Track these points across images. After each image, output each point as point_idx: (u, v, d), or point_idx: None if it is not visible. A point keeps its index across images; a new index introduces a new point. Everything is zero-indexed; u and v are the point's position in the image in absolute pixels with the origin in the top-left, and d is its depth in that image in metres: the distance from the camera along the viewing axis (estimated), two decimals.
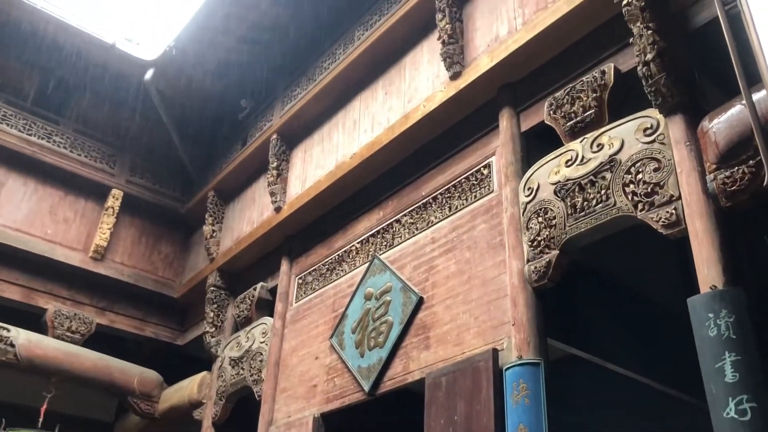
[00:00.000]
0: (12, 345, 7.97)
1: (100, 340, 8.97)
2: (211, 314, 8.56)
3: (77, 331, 8.78)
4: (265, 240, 8.03)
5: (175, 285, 9.83)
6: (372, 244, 6.54)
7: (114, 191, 9.47)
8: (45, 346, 8.25)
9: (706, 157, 3.90)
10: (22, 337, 8.06)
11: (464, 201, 5.63)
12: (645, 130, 4.32)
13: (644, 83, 4.25)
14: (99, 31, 8.84)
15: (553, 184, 4.74)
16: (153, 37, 9.32)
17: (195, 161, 9.95)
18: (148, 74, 8.91)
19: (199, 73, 8.93)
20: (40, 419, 7.84)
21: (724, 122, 3.80)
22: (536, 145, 5.27)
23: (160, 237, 9.97)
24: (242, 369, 7.65)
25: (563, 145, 4.84)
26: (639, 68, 4.28)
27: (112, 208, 9.40)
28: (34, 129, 9.03)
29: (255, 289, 8.02)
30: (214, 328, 8.51)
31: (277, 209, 7.81)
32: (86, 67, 9.05)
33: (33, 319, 8.65)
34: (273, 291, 7.84)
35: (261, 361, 7.38)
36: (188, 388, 8.42)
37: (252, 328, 7.82)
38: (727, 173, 3.76)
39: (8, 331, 8.01)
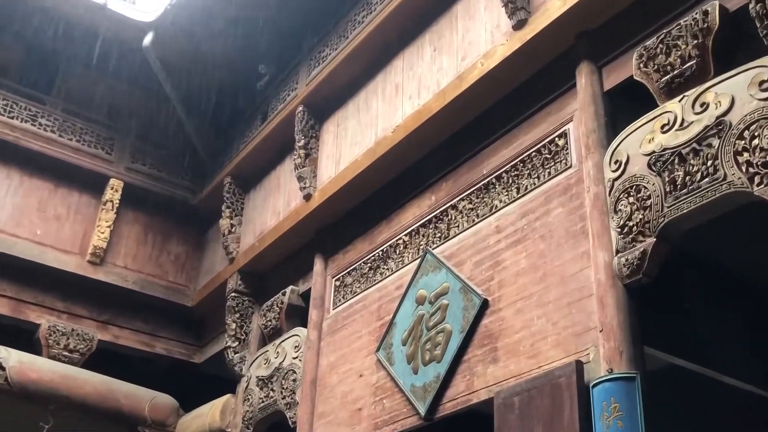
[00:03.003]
0: (2, 368, 8.16)
1: (102, 359, 9.12)
2: (233, 325, 8.70)
3: (76, 349, 8.99)
4: (293, 234, 8.12)
5: (188, 292, 10.04)
6: (423, 236, 6.57)
7: (112, 181, 9.65)
8: (39, 369, 8.41)
9: None
10: (13, 359, 8.21)
11: (535, 180, 5.63)
12: (761, 83, 4.24)
13: (758, 24, 4.18)
14: None
15: (646, 155, 4.70)
16: None
17: (207, 142, 10.12)
18: (147, 39, 9.01)
19: (207, 36, 9.00)
20: None
21: None
22: (624, 107, 5.25)
23: (169, 235, 10.17)
24: (272, 390, 7.77)
25: (657, 106, 4.79)
26: (751, 6, 4.22)
27: (111, 201, 9.58)
28: (16, 111, 9.23)
29: (284, 294, 8.11)
30: (237, 342, 8.64)
31: (307, 197, 7.90)
32: (74, 34, 9.19)
33: (24, 337, 8.84)
34: (306, 296, 7.93)
35: (294, 380, 7.49)
36: (209, 414, 8.55)
37: (282, 341, 7.93)
38: None
39: None
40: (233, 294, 8.82)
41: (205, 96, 9.69)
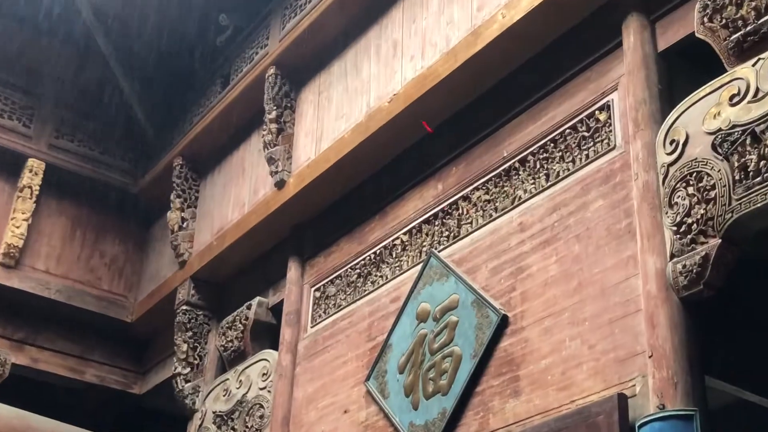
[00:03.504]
0: None
1: (17, 388, 9.06)
2: (184, 347, 8.73)
3: None
4: (262, 232, 8.16)
5: (127, 303, 10.07)
6: (426, 234, 6.58)
7: (31, 162, 9.65)
8: None
9: None
10: None
11: (570, 164, 5.64)
12: None
13: None
14: None
15: (710, 133, 4.67)
16: None
17: (153, 113, 10.16)
18: None
19: None
20: None
21: None
22: (682, 72, 5.26)
23: (103, 231, 10.20)
24: (233, 430, 7.75)
25: (726, 71, 4.74)
26: None
27: (30, 188, 9.56)
28: None
29: (249, 308, 8.13)
30: (188, 369, 8.67)
31: (280, 184, 7.91)
32: None
33: None
34: (277, 310, 7.95)
35: (261, 416, 7.48)
36: None
37: (246, 368, 7.92)
38: None
39: None
40: (185, 307, 8.84)
41: (152, 54, 9.67)
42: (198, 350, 8.78)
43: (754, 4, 4.68)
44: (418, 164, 6.82)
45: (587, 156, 5.54)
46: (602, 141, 5.49)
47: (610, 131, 5.45)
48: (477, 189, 6.26)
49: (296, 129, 8.11)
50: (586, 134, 5.60)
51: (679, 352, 4.53)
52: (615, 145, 5.38)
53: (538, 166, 5.86)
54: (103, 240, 10.15)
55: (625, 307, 4.91)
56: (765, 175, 4.38)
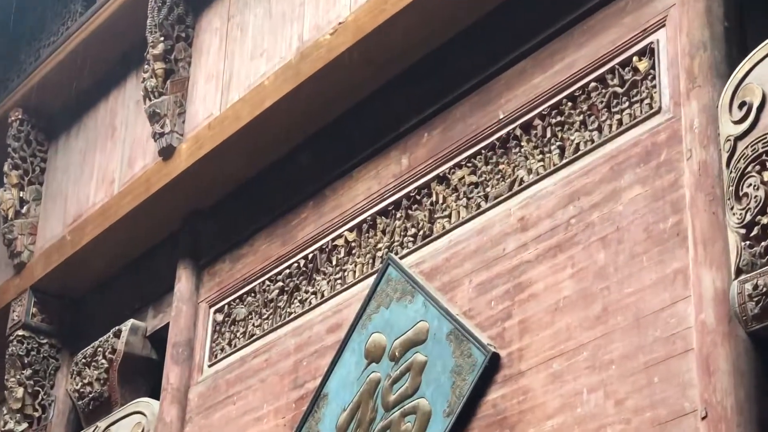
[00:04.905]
0: None
1: None
2: (20, 392, 8.73)
3: None
4: (140, 222, 8.32)
5: None
6: (383, 232, 6.67)
7: None
8: None
9: None
10: None
11: (594, 134, 5.69)
12: None
13: None
14: None
15: None
16: None
17: None
18: None
19: None
20: None
21: None
22: (756, 7, 5.31)
23: None
24: None
25: None
26: None
27: None
28: None
29: (118, 335, 8.24)
30: (26, 424, 8.69)
31: (167, 152, 8.04)
32: None
33: None
34: (160, 338, 8.12)
35: None
36: None
37: (113, 424, 7.94)
38: None
39: None
40: (21, 332, 8.92)
41: None
42: (40, 397, 8.77)
43: None
44: (374, 128, 6.91)
45: (619, 122, 5.57)
46: (641, 101, 5.51)
47: (653, 87, 5.47)
48: (459, 166, 6.32)
49: (193, 71, 8.28)
50: (618, 90, 5.62)
51: (746, 411, 4.47)
52: (659, 108, 5.40)
53: (548, 134, 5.91)
54: None
55: (669, 344, 4.87)
56: None
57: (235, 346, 7.41)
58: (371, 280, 6.50)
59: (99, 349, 8.33)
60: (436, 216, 6.38)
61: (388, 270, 6.38)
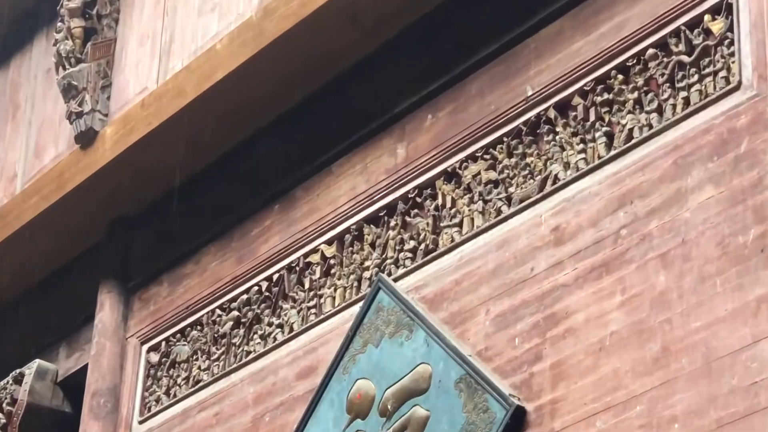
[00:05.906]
0: None
1: None
2: None
3: None
4: (51, 230, 8.12)
5: None
6: (372, 245, 6.50)
7: None
8: None
9: None
10: None
11: (653, 117, 5.38)
12: None
13: None
14: None
15: None
16: None
17: None
18: None
19: None
20: None
21: None
22: None
23: None
24: None
25: None
26: None
27: None
28: None
29: (19, 381, 8.16)
30: None
31: (85, 137, 7.85)
32: None
33: None
34: (75, 385, 8.00)
35: None
36: None
37: None
38: None
39: None
40: None
41: None
42: None
43: None
44: (361, 107, 6.75)
45: (686, 102, 5.28)
46: (715, 74, 5.23)
47: (731, 56, 5.18)
48: (473, 159, 6.06)
49: (122, 31, 8.21)
50: (684, 59, 5.33)
51: None
52: (739, 83, 5.08)
53: (591, 117, 5.64)
54: None
55: (750, 396, 4.55)
56: None
57: (174, 395, 7.25)
58: (356, 308, 6.27)
59: None
60: (442, 224, 6.12)
61: (378, 296, 6.14)
